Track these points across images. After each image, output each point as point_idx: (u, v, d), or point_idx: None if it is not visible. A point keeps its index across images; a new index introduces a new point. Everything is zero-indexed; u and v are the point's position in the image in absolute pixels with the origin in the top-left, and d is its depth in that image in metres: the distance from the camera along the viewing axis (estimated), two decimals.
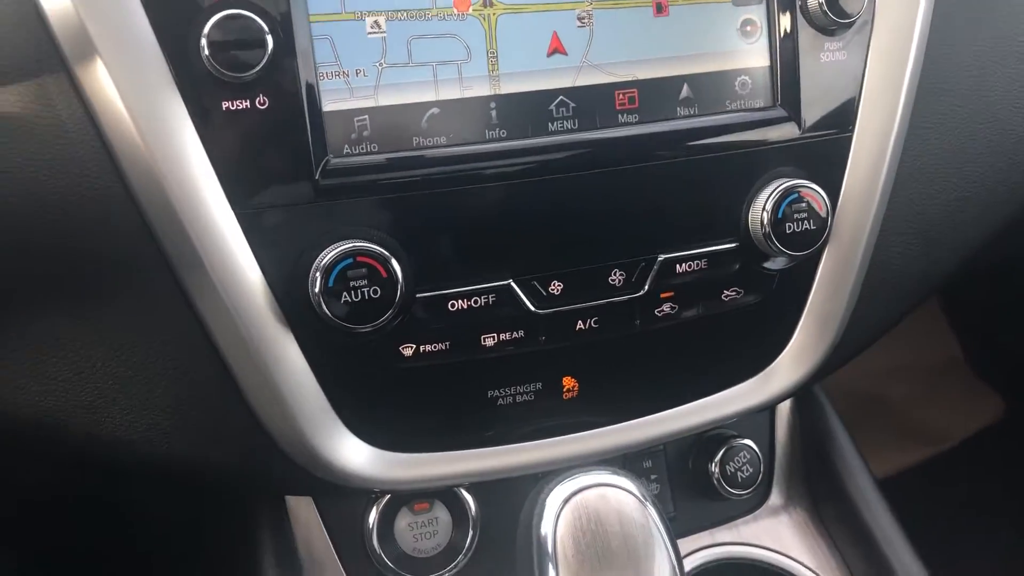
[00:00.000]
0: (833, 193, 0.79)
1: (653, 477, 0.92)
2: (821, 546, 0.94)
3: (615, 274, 0.75)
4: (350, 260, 0.66)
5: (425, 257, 0.70)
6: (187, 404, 0.70)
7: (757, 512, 0.96)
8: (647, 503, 0.64)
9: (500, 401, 0.75)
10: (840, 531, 0.94)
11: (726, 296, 0.79)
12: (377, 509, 0.82)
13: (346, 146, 0.68)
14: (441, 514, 0.84)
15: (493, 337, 0.73)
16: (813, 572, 0.92)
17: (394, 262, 0.67)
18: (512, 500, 0.87)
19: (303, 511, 0.84)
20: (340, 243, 0.66)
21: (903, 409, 1.94)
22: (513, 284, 0.72)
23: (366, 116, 0.68)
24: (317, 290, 0.65)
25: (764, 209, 0.76)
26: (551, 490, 0.65)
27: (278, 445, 0.71)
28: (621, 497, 0.64)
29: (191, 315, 0.67)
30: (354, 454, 0.73)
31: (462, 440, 0.76)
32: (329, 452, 0.72)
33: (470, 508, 0.84)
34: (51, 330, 0.68)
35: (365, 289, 0.66)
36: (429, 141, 0.70)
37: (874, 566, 0.90)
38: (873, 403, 1.88)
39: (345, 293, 0.65)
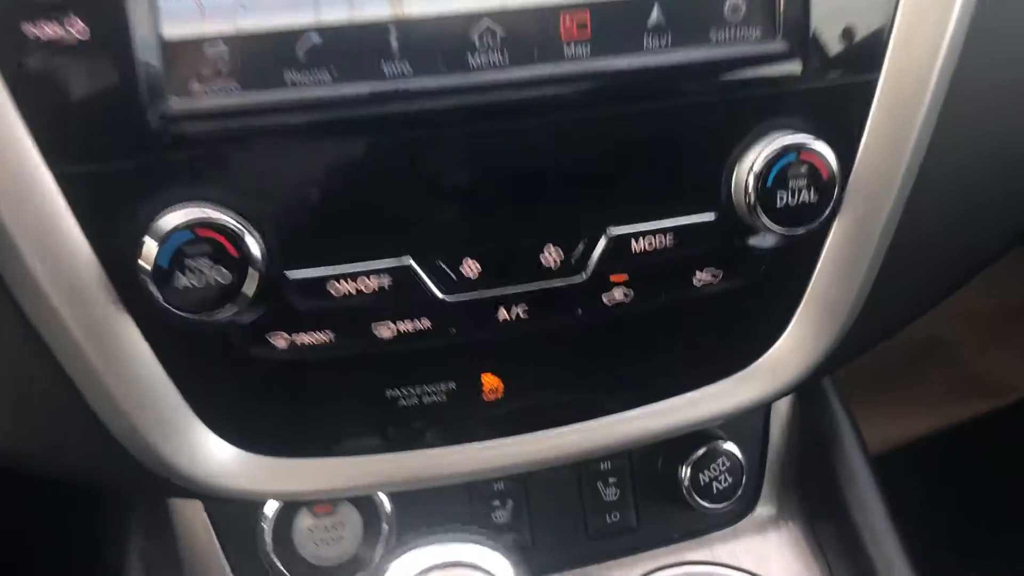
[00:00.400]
0: (846, 154, 0.61)
1: (611, 480, 0.78)
2: (813, 572, 0.79)
3: (549, 252, 0.59)
4: (190, 235, 0.52)
5: (298, 228, 0.55)
6: (8, 395, 0.58)
7: (739, 525, 0.81)
8: None
9: (402, 402, 0.62)
10: (838, 555, 0.79)
11: (699, 281, 0.63)
12: (273, 509, 0.70)
13: (195, 83, 0.52)
14: (349, 517, 0.71)
15: (389, 327, 0.59)
16: None
17: (248, 238, 0.52)
18: (438, 500, 0.74)
19: (187, 507, 0.72)
20: (178, 208, 0.52)
21: (965, 357, 1.76)
22: (413, 264, 0.57)
23: (222, 45, 0.52)
24: (148, 269, 0.52)
25: (751, 172, 0.59)
26: (390, 563, 0.51)
27: (125, 449, 0.59)
28: None
29: (3, 293, 0.54)
30: (220, 460, 0.60)
31: (355, 445, 0.62)
32: (187, 458, 0.59)
33: (384, 510, 0.72)
34: None
35: (208, 272, 0.52)
36: (306, 78, 0.54)
37: None
38: (931, 347, 1.70)
39: (181, 275, 0.51)
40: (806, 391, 0.82)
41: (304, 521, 0.71)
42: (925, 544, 0.80)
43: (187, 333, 0.56)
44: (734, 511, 0.80)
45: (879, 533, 0.76)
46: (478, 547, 0.51)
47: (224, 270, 0.52)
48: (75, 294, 0.54)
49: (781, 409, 0.82)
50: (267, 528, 0.70)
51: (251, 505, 0.71)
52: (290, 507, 0.71)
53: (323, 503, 0.71)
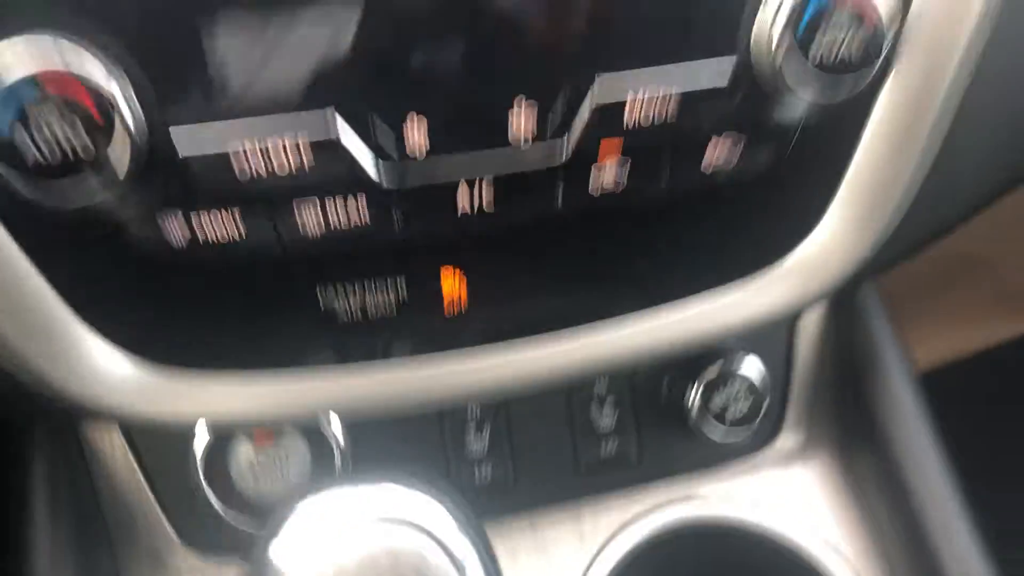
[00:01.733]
0: None
1: (608, 405, 0.67)
2: (848, 511, 0.68)
3: (520, 108, 0.46)
4: (34, 90, 0.39)
5: (183, 78, 0.42)
6: None
7: (758, 456, 0.69)
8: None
9: (336, 304, 0.50)
10: (879, 493, 0.67)
11: (715, 155, 0.50)
12: (205, 436, 0.60)
13: None
14: (294, 448, 0.60)
15: (315, 214, 0.46)
16: (830, 551, 0.66)
17: (118, 91, 0.40)
18: (403, 430, 0.64)
19: (99, 432, 0.61)
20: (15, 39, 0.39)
21: (1004, 271, 1.62)
22: (339, 119, 0.44)
23: None
24: None
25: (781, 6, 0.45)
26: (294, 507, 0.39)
27: None
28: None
29: None
30: (116, 375, 0.49)
31: (278, 358, 0.51)
32: (71, 372, 0.48)
33: (337, 441, 0.61)
34: None
35: (60, 144, 0.40)
36: None
37: (919, 546, 0.64)
38: (968, 262, 1.57)
39: (23, 145, 0.39)
40: (842, 301, 0.69)
41: (243, 452, 0.60)
42: (970, 472, 0.69)
43: (54, 225, 0.44)
44: (753, 441, 0.68)
45: (927, 469, 0.64)
46: (411, 495, 0.39)
47: (87, 139, 0.40)
48: None
49: (811, 320, 0.70)
50: (199, 458, 0.59)
51: (177, 431, 0.60)
52: (225, 435, 0.60)
53: (262, 432, 0.60)
